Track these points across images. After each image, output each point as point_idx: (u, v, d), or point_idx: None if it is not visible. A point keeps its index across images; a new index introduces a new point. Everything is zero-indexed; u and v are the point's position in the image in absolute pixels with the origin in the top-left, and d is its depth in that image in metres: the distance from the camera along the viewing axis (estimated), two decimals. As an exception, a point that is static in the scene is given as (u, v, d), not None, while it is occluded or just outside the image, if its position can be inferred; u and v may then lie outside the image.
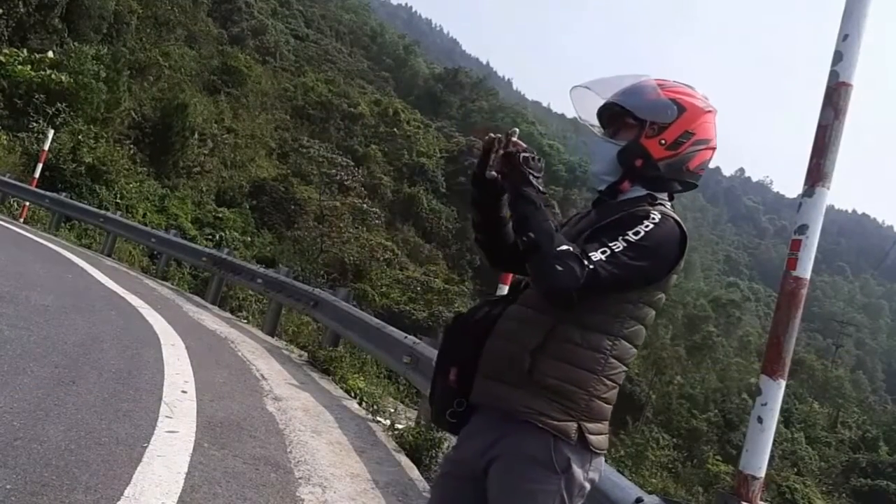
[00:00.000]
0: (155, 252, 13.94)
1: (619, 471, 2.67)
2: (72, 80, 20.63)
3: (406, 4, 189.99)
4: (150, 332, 6.17)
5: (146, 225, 16.11)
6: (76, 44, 23.55)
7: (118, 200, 18.95)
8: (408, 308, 28.06)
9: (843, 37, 2.21)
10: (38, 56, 21.09)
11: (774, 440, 2.22)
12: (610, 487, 2.41)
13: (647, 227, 1.55)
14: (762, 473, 2.15)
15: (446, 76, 72.44)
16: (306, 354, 7.53)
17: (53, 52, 21.96)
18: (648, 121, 1.65)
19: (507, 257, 1.77)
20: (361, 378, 6.69)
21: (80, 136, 19.04)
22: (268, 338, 8.33)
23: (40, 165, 15.36)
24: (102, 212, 13.99)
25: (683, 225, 1.61)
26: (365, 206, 32.08)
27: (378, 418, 5.55)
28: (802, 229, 2.19)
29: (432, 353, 5.09)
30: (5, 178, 14.82)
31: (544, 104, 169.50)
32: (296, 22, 62.08)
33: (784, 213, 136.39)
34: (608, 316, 1.56)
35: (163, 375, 4.72)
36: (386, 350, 6.25)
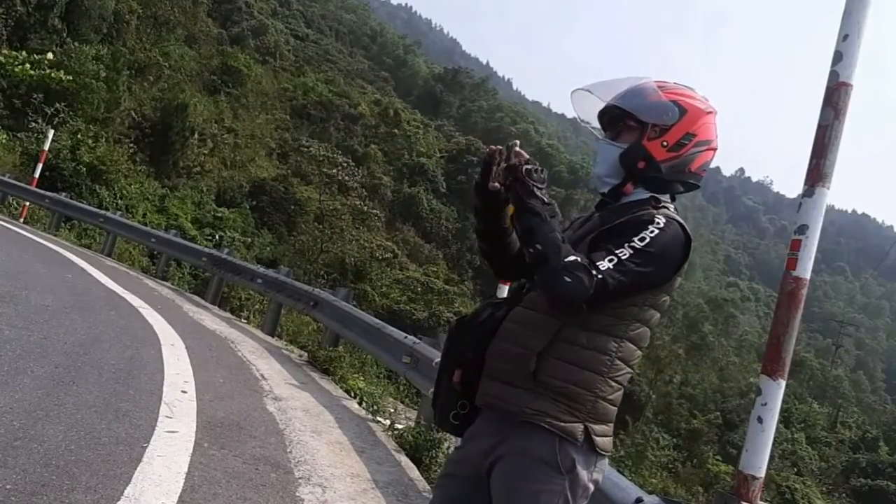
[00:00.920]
0: (155, 252, 13.94)
1: (619, 471, 2.66)
2: (71, 80, 20.63)
3: (406, 4, 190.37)
4: (150, 332, 6.16)
5: (146, 225, 16.10)
6: (76, 44, 23.56)
7: (118, 200, 18.96)
8: (408, 308, 28.09)
9: (843, 37, 2.21)
10: (37, 57, 21.08)
11: (774, 440, 2.22)
12: (610, 487, 2.41)
13: (652, 232, 1.55)
14: (762, 473, 2.16)
15: (446, 76, 72.44)
16: (306, 354, 7.53)
17: (53, 52, 21.93)
18: (650, 123, 1.65)
19: (513, 266, 1.77)
20: (361, 378, 6.70)
21: (79, 136, 19.04)
22: (268, 338, 8.33)
23: (40, 165, 15.35)
24: (102, 212, 13.98)
25: (687, 227, 1.62)
26: (365, 208, 32.03)
27: (378, 418, 5.55)
28: (802, 229, 2.20)
29: (432, 353, 5.09)
30: (5, 178, 14.82)
31: (544, 104, 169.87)
32: (296, 22, 62.09)
33: (784, 214, 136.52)
34: (614, 318, 1.56)
35: (163, 375, 4.71)
36: (386, 350, 6.25)
